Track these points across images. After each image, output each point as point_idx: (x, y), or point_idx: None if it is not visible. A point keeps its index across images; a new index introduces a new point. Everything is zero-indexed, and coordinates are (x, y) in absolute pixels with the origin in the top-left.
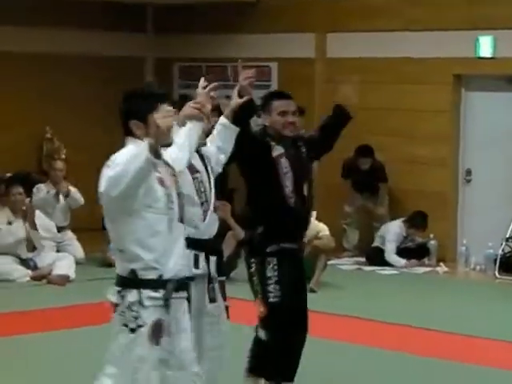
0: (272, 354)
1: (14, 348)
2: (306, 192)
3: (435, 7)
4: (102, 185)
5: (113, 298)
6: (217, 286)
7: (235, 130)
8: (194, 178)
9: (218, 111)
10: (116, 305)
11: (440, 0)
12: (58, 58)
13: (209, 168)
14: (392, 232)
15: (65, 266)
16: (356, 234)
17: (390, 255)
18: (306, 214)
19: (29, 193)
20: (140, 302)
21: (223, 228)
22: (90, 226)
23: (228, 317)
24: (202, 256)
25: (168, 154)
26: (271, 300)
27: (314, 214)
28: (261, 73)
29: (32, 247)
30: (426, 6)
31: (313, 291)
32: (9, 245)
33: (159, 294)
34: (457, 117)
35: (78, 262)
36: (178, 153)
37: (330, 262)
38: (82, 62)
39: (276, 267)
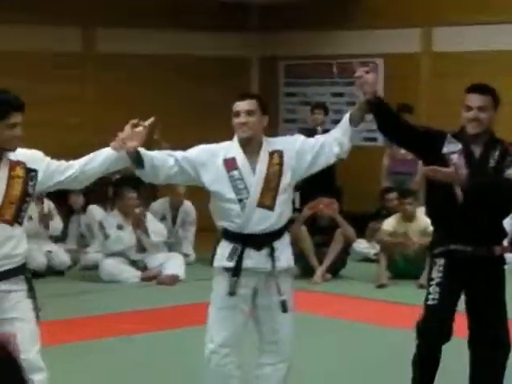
0: (416, 362)
1: (126, 346)
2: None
3: None
4: None
5: None
6: (268, 279)
7: (351, 129)
8: (230, 176)
9: (323, 108)
10: None
11: None
12: (163, 59)
13: (274, 166)
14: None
15: (174, 265)
16: None
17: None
18: (476, 214)
19: (140, 196)
20: None
21: (332, 225)
22: (198, 225)
23: (285, 310)
24: (239, 249)
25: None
26: (429, 302)
27: (423, 208)
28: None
29: (142, 249)
30: None
31: (423, 287)
32: (118, 251)
33: None
34: None
35: (187, 262)
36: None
37: None
38: (187, 62)
39: (441, 269)
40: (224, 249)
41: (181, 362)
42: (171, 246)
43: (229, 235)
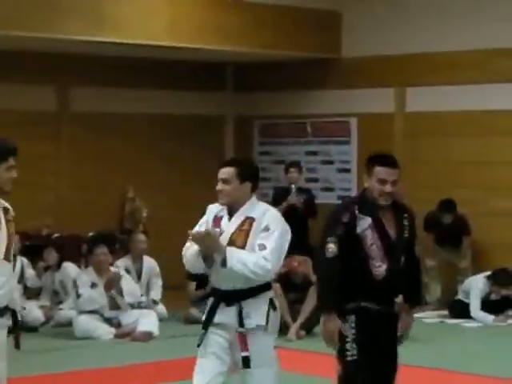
0: None
1: None
2: (401, 259)
3: None
4: None
5: None
6: (235, 336)
7: None
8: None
9: (298, 166)
10: None
11: None
12: (139, 117)
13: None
14: (475, 287)
15: (149, 322)
16: (438, 287)
17: (476, 312)
18: (394, 281)
19: (113, 252)
20: None
21: (305, 283)
22: (172, 283)
23: (246, 366)
24: (213, 304)
25: None
26: (348, 359)
27: None
28: (340, 128)
29: (116, 306)
30: (509, 57)
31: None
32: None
33: None
34: None
35: (161, 319)
36: None
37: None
38: (163, 121)
39: (353, 325)
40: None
41: None
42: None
43: (212, 290)
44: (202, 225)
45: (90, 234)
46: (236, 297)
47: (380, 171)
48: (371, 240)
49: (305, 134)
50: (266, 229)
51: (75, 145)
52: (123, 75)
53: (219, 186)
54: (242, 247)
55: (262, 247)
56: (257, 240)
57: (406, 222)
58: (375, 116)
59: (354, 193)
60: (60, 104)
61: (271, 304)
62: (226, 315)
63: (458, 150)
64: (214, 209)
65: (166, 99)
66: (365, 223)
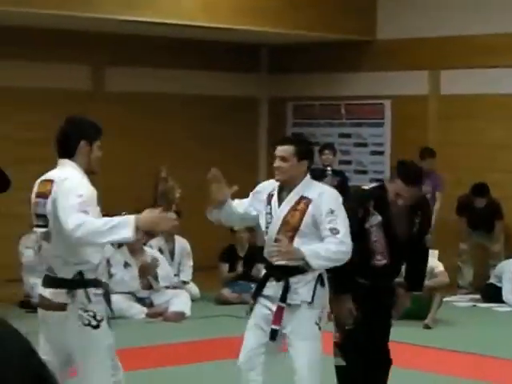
0: (349, 381)
1: (132, 382)
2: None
3: None
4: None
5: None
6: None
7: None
8: (266, 210)
9: (332, 149)
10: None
11: None
12: (174, 97)
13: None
14: (508, 271)
15: (181, 303)
16: (471, 271)
17: (509, 296)
18: (392, 270)
19: (146, 232)
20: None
21: None
22: (205, 263)
23: (272, 338)
24: (270, 278)
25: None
26: (347, 327)
27: (436, 253)
28: (374, 111)
29: (149, 286)
30: None
31: (428, 328)
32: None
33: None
34: None
35: (193, 300)
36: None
37: (445, 299)
38: (197, 102)
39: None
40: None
41: None
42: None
43: (265, 262)
44: (255, 201)
45: (123, 213)
46: (286, 272)
47: (400, 186)
48: (375, 237)
49: (339, 116)
50: (331, 212)
51: (109, 124)
52: (158, 55)
53: (277, 163)
54: (297, 227)
55: (335, 231)
56: (325, 225)
57: (417, 220)
58: (409, 98)
59: (387, 175)
60: (95, 84)
61: (320, 280)
62: (273, 288)
63: (491, 134)
64: (267, 186)
65: (200, 80)
66: (375, 220)
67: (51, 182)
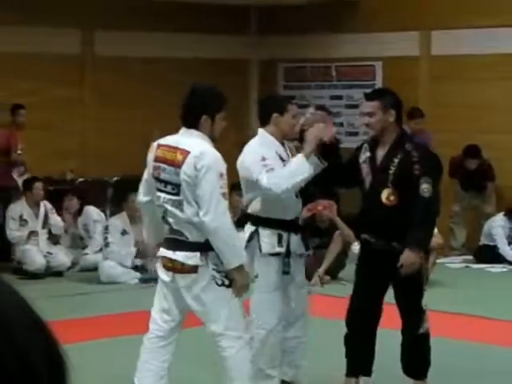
0: (346, 346)
1: (125, 347)
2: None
3: None
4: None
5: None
6: (298, 260)
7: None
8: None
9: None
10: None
11: None
12: (163, 61)
13: None
14: (497, 226)
15: None
16: (463, 232)
17: (504, 247)
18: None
19: None
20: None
21: (330, 227)
22: None
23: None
24: (286, 235)
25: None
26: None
27: None
28: (365, 72)
29: (144, 256)
30: None
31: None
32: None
33: None
34: None
35: None
36: (280, 180)
37: (438, 261)
38: (186, 65)
39: (359, 255)
40: (270, 237)
41: (180, 363)
42: None
43: (273, 224)
44: None
45: (115, 178)
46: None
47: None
48: (365, 173)
49: (329, 78)
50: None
51: (100, 89)
52: (147, 19)
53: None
54: None
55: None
56: None
57: (396, 160)
58: (400, 59)
59: None
60: (84, 47)
61: None
62: (296, 243)
63: (482, 94)
64: None
65: (190, 42)
66: (364, 156)
67: (185, 152)
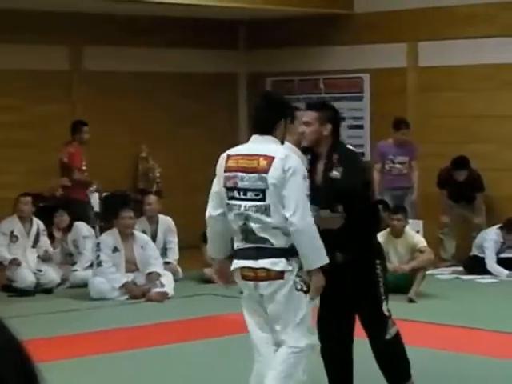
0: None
1: (115, 363)
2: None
3: None
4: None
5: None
6: None
7: None
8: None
9: None
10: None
11: None
12: (152, 76)
13: None
14: (489, 239)
15: (164, 282)
16: (453, 243)
17: (492, 264)
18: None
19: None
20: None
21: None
22: (187, 243)
23: None
24: None
25: None
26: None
27: (420, 223)
28: (353, 85)
29: (132, 269)
30: None
31: (412, 301)
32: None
33: None
34: None
35: (176, 279)
36: None
37: (427, 272)
38: (176, 80)
39: None
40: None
41: (172, 378)
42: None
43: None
44: None
45: (104, 194)
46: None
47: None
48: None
49: (317, 91)
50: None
51: (88, 104)
52: (136, 34)
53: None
54: None
55: None
56: None
57: (333, 166)
58: (388, 71)
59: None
60: (72, 63)
61: None
62: None
63: (471, 105)
64: None
65: (178, 58)
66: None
67: (269, 157)
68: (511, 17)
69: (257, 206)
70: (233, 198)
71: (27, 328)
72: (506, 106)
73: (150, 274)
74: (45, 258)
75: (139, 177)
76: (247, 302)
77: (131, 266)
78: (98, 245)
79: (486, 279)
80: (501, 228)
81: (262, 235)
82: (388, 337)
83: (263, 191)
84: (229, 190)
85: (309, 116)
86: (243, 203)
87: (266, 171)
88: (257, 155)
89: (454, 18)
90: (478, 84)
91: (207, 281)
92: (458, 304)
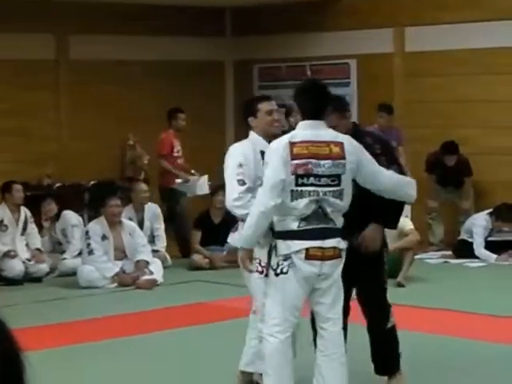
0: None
1: (106, 351)
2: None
3: None
4: None
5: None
6: None
7: None
8: None
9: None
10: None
11: None
12: (139, 64)
13: None
14: (478, 225)
15: (153, 270)
16: (441, 228)
17: (480, 249)
18: None
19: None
20: None
21: None
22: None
23: None
24: None
25: None
26: None
27: (408, 209)
28: (340, 71)
29: (120, 257)
30: None
31: (401, 286)
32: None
33: None
34: None
35: (165, 266)
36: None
37: (416, 257)
38: (162, 67)
39: None
40: None
41: (162, 365)
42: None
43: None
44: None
45: (92, 182)
46: None
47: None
48: None
49: (305, 77)
50: None
51: (74, 93)
52: (122, 22)
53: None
54: None
55: None
56: None
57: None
58: (374, 57)
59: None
60: (58, 52)
61: None
62: None
63: (457, 90)
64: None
65: (165, 45)
66: None
67: (339, 143)
68: (496, 1)
69: (333, 190)
70: (304, 184)
71: (16, 317)
72: (492, 91)
73: (138, 261)
74: (39, 260)
75: (126, 165)
76: (298, 284)
77: (120, 253)
78: (86, 233)
79: (474, 263)
80: (490, 214)
81: (332, 217)
82: (389, 325)
83: (339, 176)
84: (299, 176)
85: None
86: (319, 189)
87: (343, 157)
88: (325, 142)
89: (440, 3)
90: (465, 69)
91: (196, 268)
92: (446, 288)
